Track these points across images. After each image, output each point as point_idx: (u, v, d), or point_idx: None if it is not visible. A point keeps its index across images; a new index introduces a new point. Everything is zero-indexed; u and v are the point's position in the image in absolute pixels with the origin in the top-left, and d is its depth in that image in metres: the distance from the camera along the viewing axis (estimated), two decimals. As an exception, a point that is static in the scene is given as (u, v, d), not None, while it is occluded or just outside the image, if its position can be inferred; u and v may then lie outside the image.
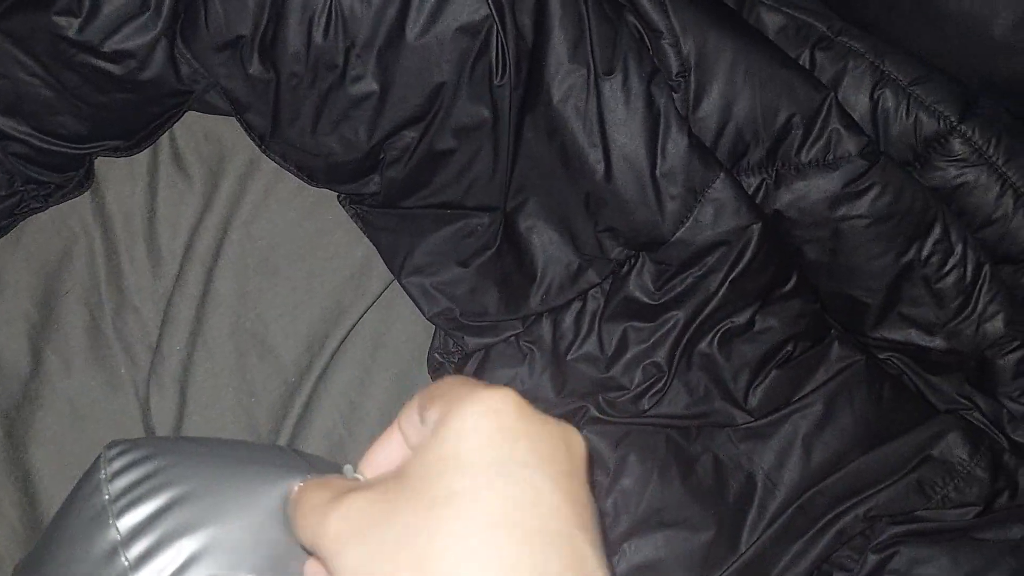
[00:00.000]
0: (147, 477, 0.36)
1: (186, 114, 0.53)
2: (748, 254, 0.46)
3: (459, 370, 0.53)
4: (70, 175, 0.53)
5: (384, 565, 0.25)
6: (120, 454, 0.38)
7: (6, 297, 0.53)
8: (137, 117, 0.51)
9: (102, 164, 0.54)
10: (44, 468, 0.51)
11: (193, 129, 0.54)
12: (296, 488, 0.34)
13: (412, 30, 0.46)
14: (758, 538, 0.50)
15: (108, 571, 0.34)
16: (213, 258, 0.53)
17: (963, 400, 0.52)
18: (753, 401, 0.50)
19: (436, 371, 0.54)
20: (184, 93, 0.50)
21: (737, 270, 0.47)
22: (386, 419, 0.53)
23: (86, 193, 0.54)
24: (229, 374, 0.53)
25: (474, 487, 0.26)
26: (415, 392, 0.54)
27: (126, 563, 0.34)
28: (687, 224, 0.46)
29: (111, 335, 0.53)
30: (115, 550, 0.34)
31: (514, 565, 0.24)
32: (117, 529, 0.35)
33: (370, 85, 0.48)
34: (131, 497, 0.36)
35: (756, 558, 0.50)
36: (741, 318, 0.49)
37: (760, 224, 0.46)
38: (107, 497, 0.36)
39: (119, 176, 0.54)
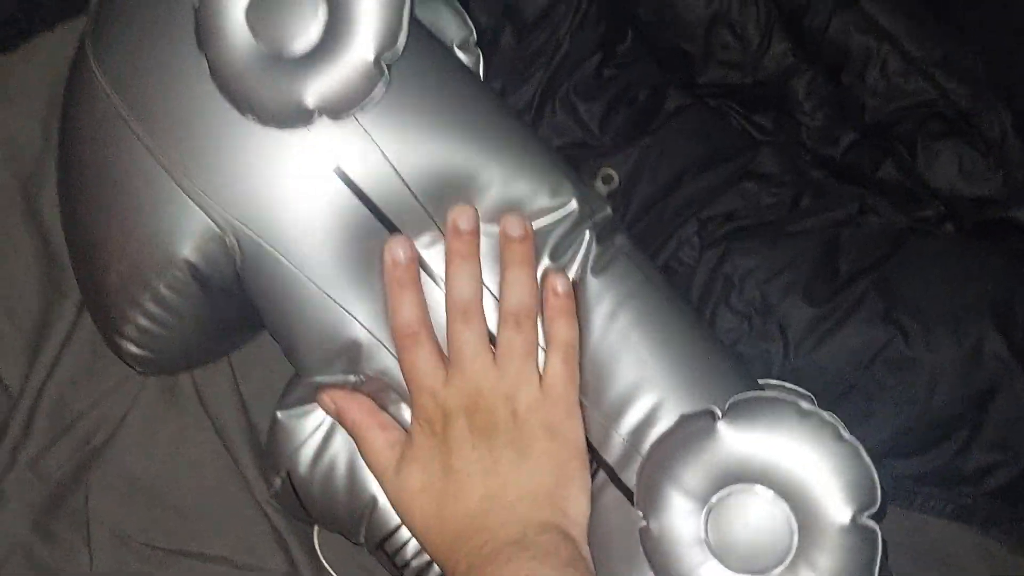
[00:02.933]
0: None
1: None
2: (583, 8, 0.61)
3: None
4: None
5: None
6: None
7: (22, 96, 0.67)
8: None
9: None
10: (54, 223, 0.65)
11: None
12: None
13: None
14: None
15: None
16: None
17: (774, 129, 0.66)
18: (608, 134, 0.64)
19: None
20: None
21: (576, 22, 0.62)
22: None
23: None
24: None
25: None
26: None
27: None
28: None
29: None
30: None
31: None
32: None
33: None
34: None
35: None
36: (589, 67, 0.63)
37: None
38: None
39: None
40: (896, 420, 0.61)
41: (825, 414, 0.46)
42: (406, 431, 0.50)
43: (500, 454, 0.47)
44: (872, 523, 0.44)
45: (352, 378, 0.51)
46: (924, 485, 0.62)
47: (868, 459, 0.45)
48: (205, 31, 0.47)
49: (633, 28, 0.64)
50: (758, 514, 0.45)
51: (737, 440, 0.46)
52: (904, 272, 0.61)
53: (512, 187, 0.50)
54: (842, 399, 0.61)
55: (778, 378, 0.60)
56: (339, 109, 0.46)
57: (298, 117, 0.46)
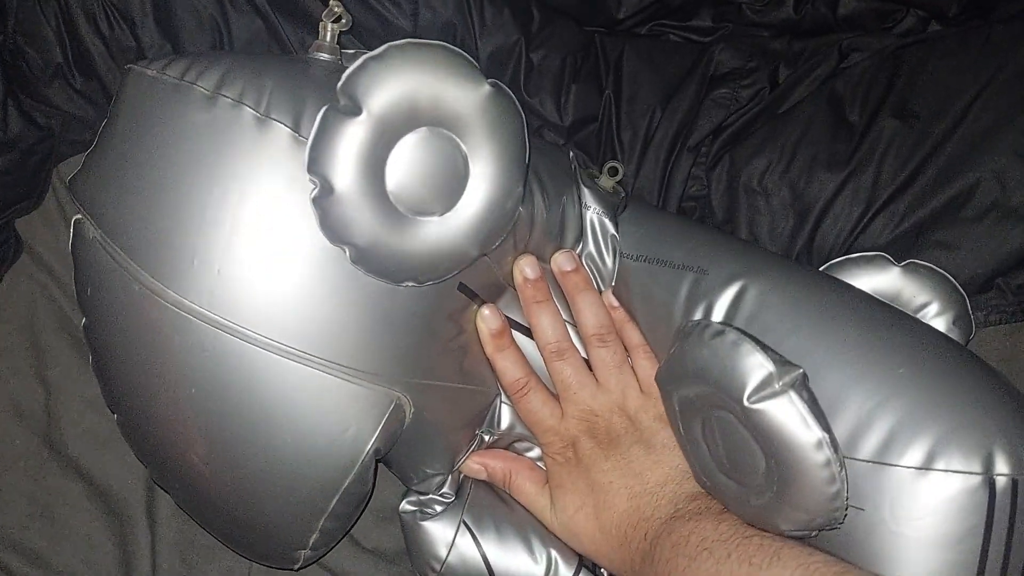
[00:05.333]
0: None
1: (69, 159, 0.66)
2: (476, 10, 0.58)
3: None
4: (4, 250, 0.66)
5: None
6: None
7: (5, 357, 0.65)
8: (26, 170, 0.63)
9: (22, 226, 0.66)
10: (87, 454, 0.62)
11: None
12: None
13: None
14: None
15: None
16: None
17: (716, 24, 0.62)
18: (568, 117, 0.60)
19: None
20: (48, 136, 0.63)
21: (476, 29, 0.58)
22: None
23: (24, 255, 0.66)
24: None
25: None
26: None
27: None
28: (421, 13, 0.58)
29: (93, 343, 0.65)
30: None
31: None
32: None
33: (164, 47, 0.60)
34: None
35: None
36: (518, 61, 0.60)
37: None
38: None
39: (40, 230, 0.66)
40: (980, 236, 0.55)
41: (731, 332, 0.43)
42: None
43: (631, 455, 0.51)
44: (787, 385, 0.41)
45: (487, 437, 0.55)
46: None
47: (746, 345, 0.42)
48: (344, 221, 0.42)
49: (535, 4, 0.61)
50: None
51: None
52: (917, 86, 0.57)
53: (547, 222, 0.51)
54: (919, 241, 0.56)
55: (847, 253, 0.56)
56: (494, 242, 0.46)
57: (464, 262, 0.46)
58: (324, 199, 0.41)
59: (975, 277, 0.55)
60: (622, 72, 0.61)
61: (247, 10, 0.60)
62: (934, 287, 0.53)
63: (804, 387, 0.41)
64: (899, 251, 0.55)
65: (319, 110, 0.41)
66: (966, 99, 0.54)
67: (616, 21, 0.62)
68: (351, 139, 0.41)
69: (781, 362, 0.41)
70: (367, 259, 0.43)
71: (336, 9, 0.48)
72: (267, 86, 0.43)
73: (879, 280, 0.54)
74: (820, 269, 0.55)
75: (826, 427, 0.41)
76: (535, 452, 0.56)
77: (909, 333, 0.47)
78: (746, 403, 0.41)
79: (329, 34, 0.48)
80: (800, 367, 0.41)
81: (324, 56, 0.48)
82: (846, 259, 0.55)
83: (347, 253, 0.43)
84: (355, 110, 0.41)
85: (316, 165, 0.41)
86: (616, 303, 0.54)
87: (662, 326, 0.51)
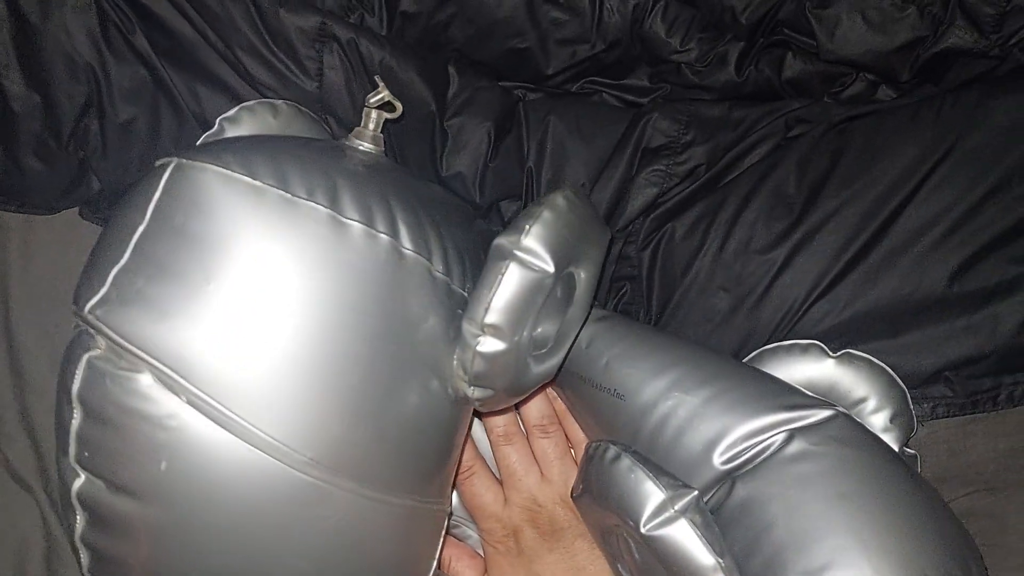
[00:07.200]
0: None
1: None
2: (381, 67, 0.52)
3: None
4: None
5: None
6: None
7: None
8: None
9: None
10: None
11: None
12: None
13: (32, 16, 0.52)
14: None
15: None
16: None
17: (653, 85, 0.57)
18: (486, 195, 0.55)
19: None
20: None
21: (380, 95, 0.52)
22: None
23: None
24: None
25: None
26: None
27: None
28: (325, 73, 0.52)
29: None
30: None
31: None
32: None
33: (32, 97, 0.53)
34: None
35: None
36: (431, 133, 0.54)
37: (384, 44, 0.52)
38: None
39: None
40: (927, 327, 0.51)
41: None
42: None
43: (574, 548, 0.51)
44: (680, 512, 0.41)
45: None
46: (995, 376, 0.52)
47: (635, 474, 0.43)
48: (499, 370, 0.42)
49: (454, 62, 0.55)
50: None
51: None
52: (863, 165, 0.52)
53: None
54: (862, 329, 0.52)
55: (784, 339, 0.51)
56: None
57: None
58: (491, 350, 0.41)
59: (920, 369, 0.51)
60: (546, 144, 0.55)
61: (129, 58, 0.54)
62: (871, 381, 0.49)
63: (698, 510, 0.41)
64: (841, 338, 0.51)
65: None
66: (914, 181, 0.50)
67: (544, 77, 0.56)
68: (535, 295, 0.41)
69: (674, 487, 0.42)
70: (490, 399, 0.43)
71: (384, 94, 0.44)
72: (393, 208, 0.40)
73: (813, 371, 0.50)
74: (751, 356, 0.51)
75: (720, 551, 0.41)
76: (473, 539, 0.55)
77: None
78: (643, 530, 0.41)
79: (373, 122, 0.45)
80: (694, 489, 0.42)
81: (366, 146, 0.45)
82: (778, 347, 0.50)
83: (472, 392, 0.42)
84: (542, 268, 0.41)
85: (496, 317, 0.40)
86: (556, 395, 0.54)
87: (598, 430, 0.50)
